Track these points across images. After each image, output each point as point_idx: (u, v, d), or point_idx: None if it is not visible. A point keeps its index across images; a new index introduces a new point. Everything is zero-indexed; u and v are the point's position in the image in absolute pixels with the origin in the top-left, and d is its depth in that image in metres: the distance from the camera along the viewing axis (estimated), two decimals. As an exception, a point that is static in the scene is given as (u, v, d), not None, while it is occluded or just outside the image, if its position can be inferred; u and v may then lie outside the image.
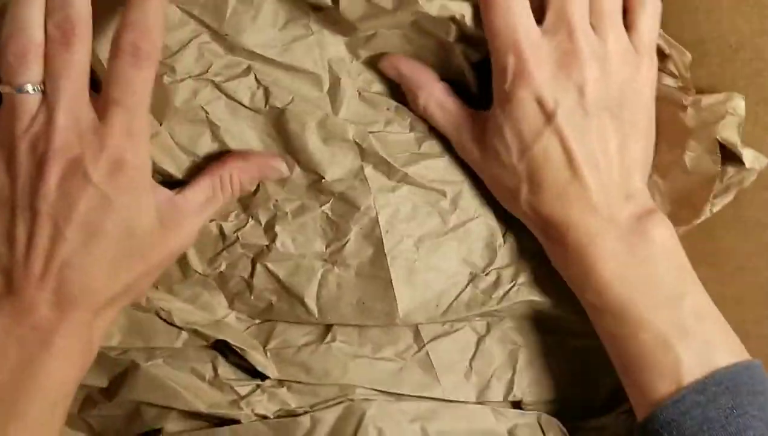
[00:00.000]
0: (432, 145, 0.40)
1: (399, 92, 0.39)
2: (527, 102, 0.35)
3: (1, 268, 0.32)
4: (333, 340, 0.39)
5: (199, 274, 0.39)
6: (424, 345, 0.40)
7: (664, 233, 0.35)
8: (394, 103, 0.39)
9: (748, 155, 0.36)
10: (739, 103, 0.37)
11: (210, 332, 0.38)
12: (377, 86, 0.39)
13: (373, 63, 0.39)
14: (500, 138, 0.36)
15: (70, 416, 0.39)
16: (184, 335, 0.38)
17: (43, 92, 0.32)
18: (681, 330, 0.33)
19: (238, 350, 0.38)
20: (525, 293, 0.40)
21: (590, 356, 0.41)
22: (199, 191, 0.36)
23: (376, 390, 0.39)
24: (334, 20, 0.37)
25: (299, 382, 0.39)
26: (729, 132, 0.37)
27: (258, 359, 0.38)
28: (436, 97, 0.38)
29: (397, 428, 0.38)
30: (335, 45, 0.38)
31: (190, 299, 0.39)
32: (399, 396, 0.39)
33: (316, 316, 0.39)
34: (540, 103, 0.35)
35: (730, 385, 0.32)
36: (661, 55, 0.39)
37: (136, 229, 0.33)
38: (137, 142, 0.33)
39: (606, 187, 0.35)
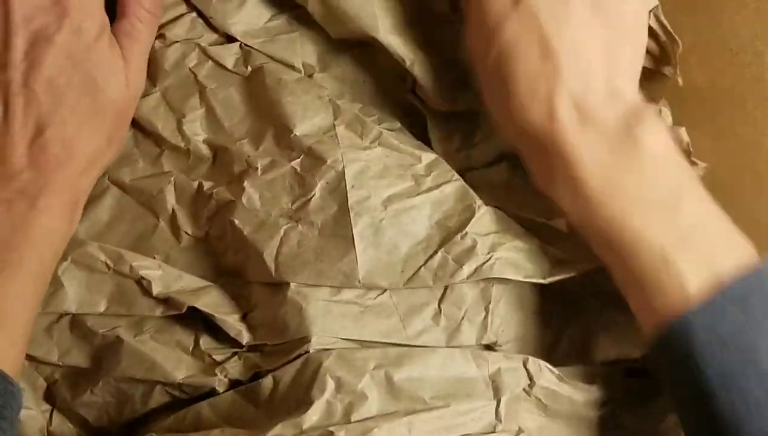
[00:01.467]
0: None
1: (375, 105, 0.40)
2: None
3: None
4: (288, 286, 0.36)
5: (189, 235, 0.38)
6: (387, 287, 0.37)
7: (656, 138, 0.32)
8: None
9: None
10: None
11: (184, 298, 0.37)
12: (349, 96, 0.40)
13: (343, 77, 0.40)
14: (469, 27, 0.34)
15: (66, 403, 0.38)
16: (162, 306, 0.38)
17: None
18: (680, 241, 0.31)
19: (210, 317, 0.37)
20: (500, 269, 0.36)
21: (557, 300, 0.39)
22: (122, 30, 0.36)
23: (336, 338, 0.37)
24: (311, 21, 0.39)
25: (266, 344, 0.37)
26: None
27: (230, 324, 0.37)
28: None
29: (358, 376, 0.35)
30: (311, 46, 0.39)
31: (185, 267, 0.39)
32: (361, 343, 0.37)
33: (273, 274, 0.37)
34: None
35: (738, 296, 0.30)
36: (657, 43, 0.39)
37: (102, 82, 0.35)
38: (94, 7, 0.35)
39: (586, 76, 0.32)
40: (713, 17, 0.38)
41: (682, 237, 0.31)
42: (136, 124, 0.39)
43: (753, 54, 0.37)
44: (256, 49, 0.38)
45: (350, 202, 0.36)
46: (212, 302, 0.37)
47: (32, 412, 0.38)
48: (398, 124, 0.39)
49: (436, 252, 0.37)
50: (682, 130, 0.37)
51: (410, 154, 0.38)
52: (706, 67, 0.38)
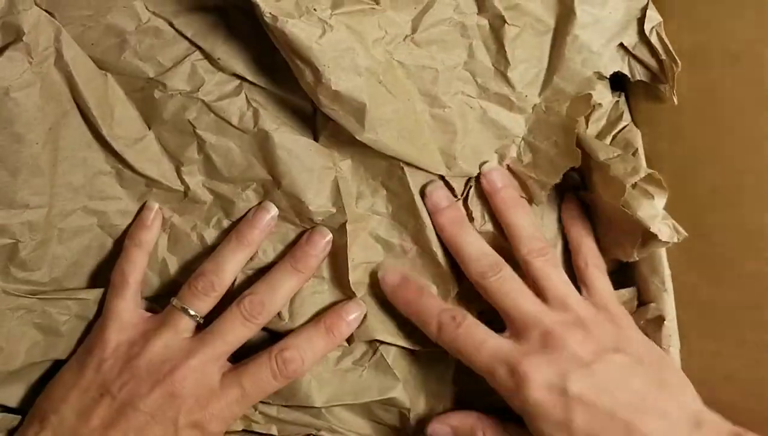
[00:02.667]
0: (401, 180, 0.40)
1: None
2: (539, 398, 0.35)
3: (64, 429, 0.35)
4: None
5: (180, 282, 0.39)
6: (378, 348, 0.41)
7: None
8: None
9: (665, 232, 0.37)
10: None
11: None
12: None
13: None
14: None
15: None
16: None
17: (198, 327, 0.38)
18: None
19: None
20: None
21: None
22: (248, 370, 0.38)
23: (344, 405, 0.40)
24: None
25: (269, 403, 0.40)
26: (646, 211, 0.37)
27: None
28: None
29: None
30: None
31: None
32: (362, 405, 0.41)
33: (286, 320, 0.39)
34: (550, 389, 0.35)
35: None
36: (657, 60, 0.40)
37: None
38: (224, 423, 0.37)
39: (663, 419, 0.34)
40: (714, 21, 0.38)
41: None
42: (122, 162, 0.38)
43: (754, 58, 0.36)
44: (261, 87, 0.38)
45: (351, 279, 0.39)
46: None
47: None
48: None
49: None
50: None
51: (399, 224, 0.41)
52: (707, 71, 0.38)
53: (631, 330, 0.38)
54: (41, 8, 0.35)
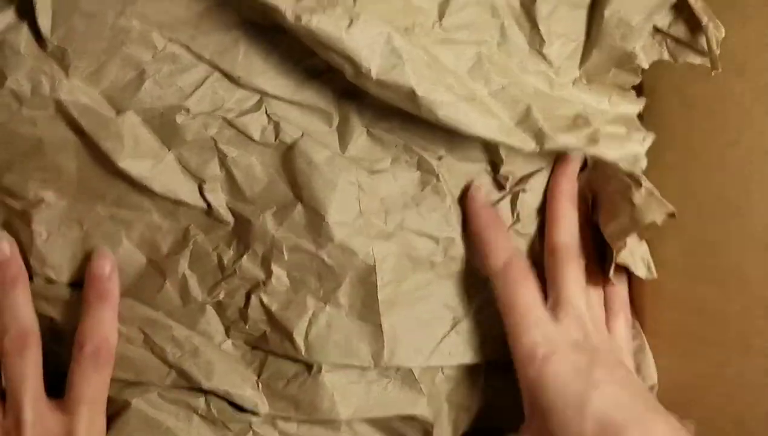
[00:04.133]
0: (435, 188, 0.40)
1: (406, 129, 0.39)
2: (563, 371, 0.37)
3: None
4: (319, 371, 0.39)
5: (198, 302, 0.39)
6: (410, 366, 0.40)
7: None
8: (401, 142, 0.39)
9: (641, 269, 0.40)
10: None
11: (198, 374, 0.38)
12: (385, 124, 0.39)
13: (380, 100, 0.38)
14: (556, 418, 0.37)
15: None
16: (174, 373, 0.39)
17: (3, 399, 0.36)
18: None
19: (225, 395, 0.39)
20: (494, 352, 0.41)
21: None
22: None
23: (364, 419, 0.40)
24: None
25: (288, 419, 0.40)
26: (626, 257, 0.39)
27: (247, 397, 0.39)
28: None
29: None
30: (345, 82, 0.37)
31: (189, 325, 0.39)
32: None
33: (303, 353, 0.39)
34: (575, 367, 0.37)
35: None
36: (696, 26, 0.38)
37: None
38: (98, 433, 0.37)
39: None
40: (721, 27, 0.37)
41: None
42: (146, 190, 0.38)
43: (761, 64, 0.36)
44: (284, 99, 0.37)
45: (380, 296, 0.38)
46: (225, 375, 0.39)
47: None
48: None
49: (448, 333, 0.41)
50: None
51: (430, 238, 0.40)
52: (714, 77, 0.38)
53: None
54: (54, 44, 0.35)
